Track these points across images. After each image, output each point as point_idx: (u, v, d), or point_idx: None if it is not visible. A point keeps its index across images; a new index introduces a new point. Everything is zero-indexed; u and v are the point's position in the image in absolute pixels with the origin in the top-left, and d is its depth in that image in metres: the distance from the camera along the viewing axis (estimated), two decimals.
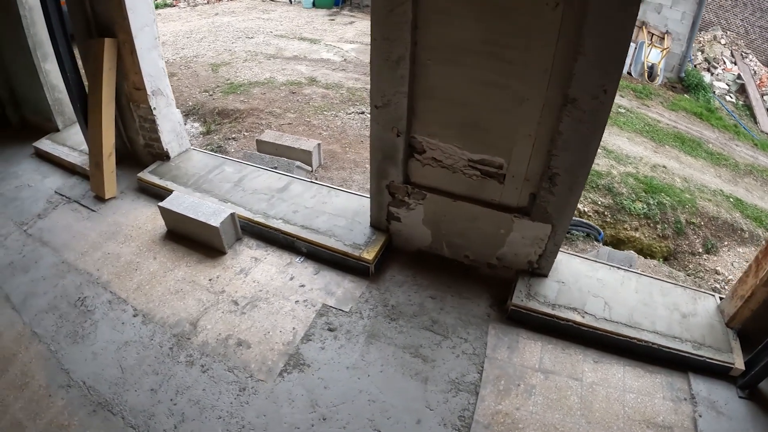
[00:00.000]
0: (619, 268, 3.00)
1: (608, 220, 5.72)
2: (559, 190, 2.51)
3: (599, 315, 2.63)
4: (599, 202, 5.69)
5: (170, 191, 3.78)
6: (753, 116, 9.57)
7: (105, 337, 2.92)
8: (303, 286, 3.18)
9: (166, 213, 3.45)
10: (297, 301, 3.06)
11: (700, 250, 6.44)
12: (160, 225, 3.67)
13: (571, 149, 2.33)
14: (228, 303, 3.10)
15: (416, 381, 2.51)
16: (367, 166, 4.83)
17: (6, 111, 5.01)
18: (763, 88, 9.89)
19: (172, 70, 7.09)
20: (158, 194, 3.90)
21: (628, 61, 9.48)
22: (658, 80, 9.50)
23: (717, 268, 5.99)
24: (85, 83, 3.96)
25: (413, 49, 2.35)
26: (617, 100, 7.85)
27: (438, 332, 2.70)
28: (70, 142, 4.63)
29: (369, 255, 3.11)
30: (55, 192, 4.22)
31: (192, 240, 3.47)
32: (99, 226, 3.77)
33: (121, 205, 3.95)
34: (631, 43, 9.39)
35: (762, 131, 9.22)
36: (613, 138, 6.70)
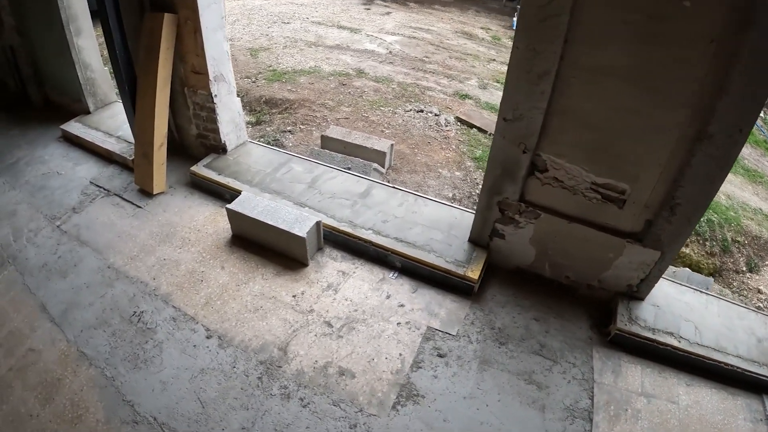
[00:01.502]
0: (702, 291, 2.99)
1: None
2: (678, 219, 2.46)
3: (692, 339, 2.63)
4: None
5: (232, 189, 3.32)
6: None
7: (174, 363, 2.47)
8: (402, 305, 2.79)
9: (234, 216, 3.00)
10: (399, 323, 2.67)
11: (744, 269, 6.37)
12: (222, 228, 3.21)
13: (698, 183, 2.30)
14: (320, 324, 2.68)
15: (534, 410, 2.31)
16: (441, 171, 4.48)
17: (28, 89, 4.44)
18: None
19: None
20: (215, 192, 3.44)
21: None
22: None
23: (760, 287, 5.94)
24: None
25: (559, 64, 2.21)
26: None
27: (547, 357, 2.54)
28: (104, 127, 4.10)
29: (474, 273, 2.80)
30: (91, 182, 3.70)
31: (265, 248, 3.03)
32: (148, 225, 3.28)
33: (172, 201, 3.47)
34: None
35: None
36: None
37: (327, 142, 4.28)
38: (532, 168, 2.60)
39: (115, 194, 3.55)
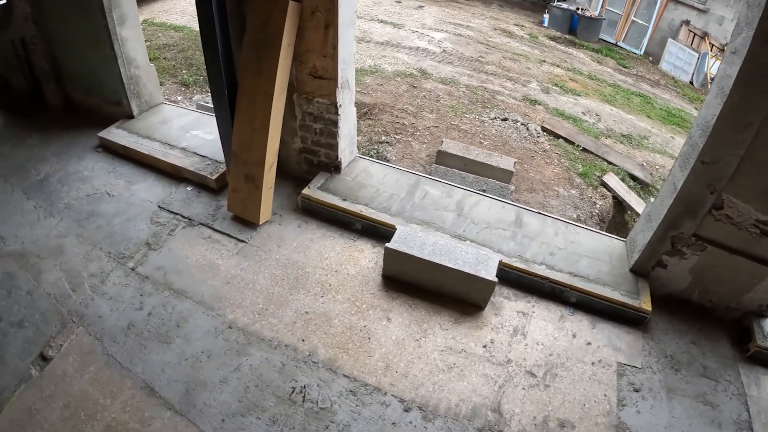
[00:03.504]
0: None
1: None
2: None
3: None
4: None
5: (365, 218, 2.73)
6: None
7: None
8: (589, 343, 2.50)
9: (395, 256, 2.43)
10: (593, 363, 2.42)
11: None
12: (366, 267, 2.61)
13: None
14: (523, 375, 2.25)
15: (715, 428, 2.31)
16: (556, 189, 4.20)
17: (44, 88, 3.41)
18: None
19: None
20: (339, 220, 2.82)
21: (690, 70, 9.71)
22: None
23: None
24: None
25: (764, 117, 2.27)
26: (694, 112, 7.94)
27: (711, 377, 2.58)
28: (159, 135, 3.24)
29: (647, 305, 2.69)
30: (160, 207, 2.87)
31: (427, 290, 2.50)
32: (265, 266, 2.57)
33: (284, 234, 2.77)
34: (694, 53, 9.78)
35: None
36: None
37: (444, 158, 3.78)
38: (711, 206, 2.69)
39: (202, 224, 2.77)
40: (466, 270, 2.35)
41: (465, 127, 4.60)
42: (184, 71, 5.61)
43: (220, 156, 3.06)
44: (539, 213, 3.05)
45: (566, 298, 2.68)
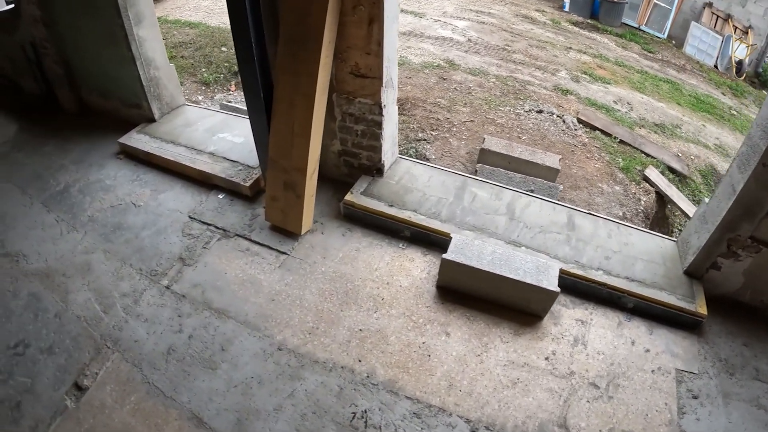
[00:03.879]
0: None
1: None
2: None
3: None
4: None
5: (415, 225, 2.56)
6: None
7: None
8: (648, 350, 2.37)
9: (452, 267, 2.26)
10: (653, 371, 2.29)
11: None
12: (419, 277, 2.43)
13: None
14: (587, 387, 2.10)
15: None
16: (600, 185, 4.03)
17: (57, 92, 3.21)
18: None
19: None
20: (386, 227, 2.64)
21: (714, 53, 9.45)
22: (743, 75, 9.18)
23: None
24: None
25: None
26: (722, 98, 7.71)
27: (763, 380, 2.50)
28: (183, 140, 3.05)
29: (703, 309, 2.57)
30: (191, 218, 2.68)
31: (485, 301, 2.34)
32: (311, 280, 2.39)
33: (328, 243, 2.59)
34: (718, 36, 9.56)
35: None
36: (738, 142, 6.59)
37: (487, 157, 3.59)
38: None
39: (239, 235, 2.59)
40: (528, 281, 2.18)
41: (501, 120, 4.40)
42: (203, 69, 5.37)
43: (251, 160, 2.88)
44: (590, 214, 2.88)
45: (623, 304, 2.54)
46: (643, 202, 3.91)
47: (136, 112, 3.18)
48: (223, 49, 5.65)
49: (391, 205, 2.65)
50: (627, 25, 10.63)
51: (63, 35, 3.08)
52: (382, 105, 2.59)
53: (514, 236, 2.57)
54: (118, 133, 3.10)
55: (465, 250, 2.28)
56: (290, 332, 2.17)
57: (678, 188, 4.34)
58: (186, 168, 2.86)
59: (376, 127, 2.66)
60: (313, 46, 2.33)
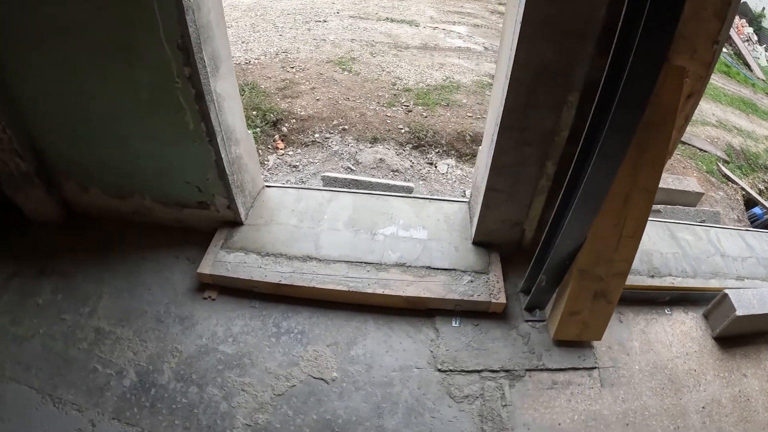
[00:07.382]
0: None
1: None
2: None
3: None
4: None
5: (675, 289, 2.03)
6: None
7: None
8: None
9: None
10: None
11: None
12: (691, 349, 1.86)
13: None
14: None
15: None
16: (712, 194, 3.83)
17: (17, 197, 1.83)
18: None
19: (288, 77, 4.21)
20: (636, 298, 2.03)
21: None
22: None
23: None
24: None
25: None
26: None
27: None
28: (326, 251, 1.93)
29: None
30: (440, 370, 1.68)
31: None
32: (636, 384, 1.70)
33: (623, 337, 1.86)
34: None
35: None
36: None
37: None
38: None
39: (530, 370, 1.70)
40: None
41: None
42: (257, 119, 3.75)
43: (464, 263, 1.98)
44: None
45: None
46: (741, 202, 3.89)
47: (198, 213, 1.97)
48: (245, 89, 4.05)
49: (652, 276, 2.08)
50: None
51: (34, 98, 1.70)
52: None
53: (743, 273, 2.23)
54: (163, 250, 1.88)
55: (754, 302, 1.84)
56: None
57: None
58: (371, 297, 1.80)
59: None
60: (661, 131, 1.68)
